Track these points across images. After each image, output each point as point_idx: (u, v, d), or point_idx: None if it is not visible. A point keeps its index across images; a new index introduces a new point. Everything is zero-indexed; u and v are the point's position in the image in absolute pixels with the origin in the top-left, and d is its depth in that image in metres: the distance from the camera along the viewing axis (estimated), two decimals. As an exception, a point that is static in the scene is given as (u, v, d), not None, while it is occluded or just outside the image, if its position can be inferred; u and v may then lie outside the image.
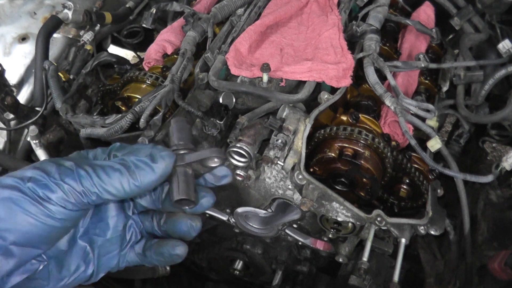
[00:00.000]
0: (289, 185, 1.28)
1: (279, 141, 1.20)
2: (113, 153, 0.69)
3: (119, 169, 0.63)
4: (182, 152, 0.68)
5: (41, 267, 0.64)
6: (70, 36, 1.83)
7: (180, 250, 0.72)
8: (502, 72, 1.45)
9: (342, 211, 1.26)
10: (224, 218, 1.54)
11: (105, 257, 0.71)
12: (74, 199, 0.61)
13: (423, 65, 1.42)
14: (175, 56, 1.58)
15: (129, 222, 0.74)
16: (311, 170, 1.28)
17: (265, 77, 1.29)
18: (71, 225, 0.65)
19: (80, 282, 0.69)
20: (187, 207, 0.68)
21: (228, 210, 1.51)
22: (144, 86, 1.46)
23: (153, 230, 0.75)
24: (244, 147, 1.19)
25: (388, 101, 1.28)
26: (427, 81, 1.61)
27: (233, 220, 1.54)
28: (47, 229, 0.61)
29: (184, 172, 0.67)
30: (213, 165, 0.68)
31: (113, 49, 2.14)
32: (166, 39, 1.66)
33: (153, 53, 1.61)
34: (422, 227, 1.20)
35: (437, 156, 1.37)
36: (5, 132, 1.60)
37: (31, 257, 0.62)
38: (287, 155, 1.20)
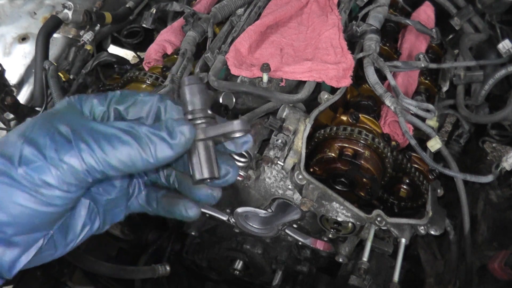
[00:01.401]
0: (289, 185, 1.28)
1: (279, 141, 1.20)
2: (114, 106, 0.59)
3: (127, 141, 0.53)
4: (200, 122, 0.59)
5: (45, 241, 0.58)
6: (70, 36, 1.83)
7: (194, 212, 0.65)
8: (502, 72, 1.45)
9: (342, 211, 1.26)
10: (224, 218, 1.54)
11: (111, 212, 0.65)
12: (76, 179, 0.52)
13: (423, 65, 1.42)
14: (175, 56, 1.57)
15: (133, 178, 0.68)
16: (311, 170, 1.28)
17: (265, 77, 1.29)
18: (74, 204, 0.58)
19: (87, 237, 0.65)
20: (208, 181, 0.61)
21: (228, 210, 1.51)
22: (144, 86, 1.46)
23: (158, 180, 0.68)
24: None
25: (388, 101, 1.28)
26: (427, 81, 1.61)
27: (233, 220, 1.54)
28: (49, 215, 0.54)
29: (205, 147, 0.59)
30: (237, 135, 0.60)
31: (113, 49, 2.14)
32: (166, 39, 1.66)
33: (153, 53, 1.61)
34: (422, 227, 1.20)
35: (437, 156, 1.37)
36: (5, 132, 1.60)
37: (36, 240, 0.56)
38: (287, 155, 1.20)
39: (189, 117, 0.59)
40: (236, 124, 0.58)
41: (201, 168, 0.58)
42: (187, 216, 0.65)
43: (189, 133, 0.56)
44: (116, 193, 0.65)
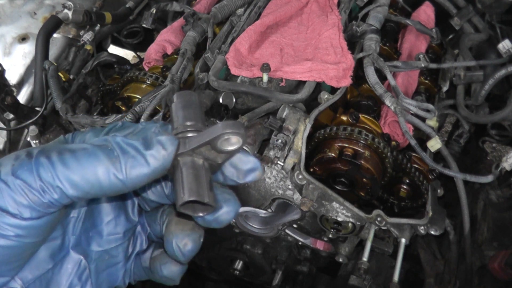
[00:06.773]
0: (289, 185, 1.28)
1: (279, 141, 1.20)
2: (112, 134, 0.48)
3: (95, 153, 0.43)
4: (187, 135, 0.47)
5: None
6: (70, 36, 1.83)
7: (168, 271, 0.54)
8: (502, 72, 1.45)
9: (342, 211, 1.26)
10: (224, 218, 1.54)
11: (105, 272, 0.54)
12: (30, 199, 0.42)
13: (423, 65, 1.42)
14: (175, 56, 1.58)
15: (133, 226, 0.57)
16: (311, 170, 1.28)
17: (265, 77, 1.29)
18: (36, 239, 0.45)
19: None
20: (200, 214, 0.46)
21: (228, 210, 1.51)
22: (144, 86, 1.46)
23: (162, 233, 0.55)
24: (244, 147, 1.18)
25: (388, 101, 1.28)
26: (427, 81, 1.61)
27: (233, 220, 1.54)
28: (2, 252, 0.43)
29: (191, 164, 0.46)
30: (230, 147, 0.46)
31: (113, 49, 2.14)
32: (166, 39, 1.66)
33: (153, 53, 1.61)
34: (422, 227, 1.20)
35: (437, 156, 1.37)
36: (5, 132, 1.60)
37: None
38: (287, 155, 1.20)
39: (177, 131, 0.47)
40: (223, 126, 0.45)
41: (183, 189, 0.44)
42: (162, 275, 0.54)
43: (169, 144, 0.44)
44: (108, 243, 0.54)
